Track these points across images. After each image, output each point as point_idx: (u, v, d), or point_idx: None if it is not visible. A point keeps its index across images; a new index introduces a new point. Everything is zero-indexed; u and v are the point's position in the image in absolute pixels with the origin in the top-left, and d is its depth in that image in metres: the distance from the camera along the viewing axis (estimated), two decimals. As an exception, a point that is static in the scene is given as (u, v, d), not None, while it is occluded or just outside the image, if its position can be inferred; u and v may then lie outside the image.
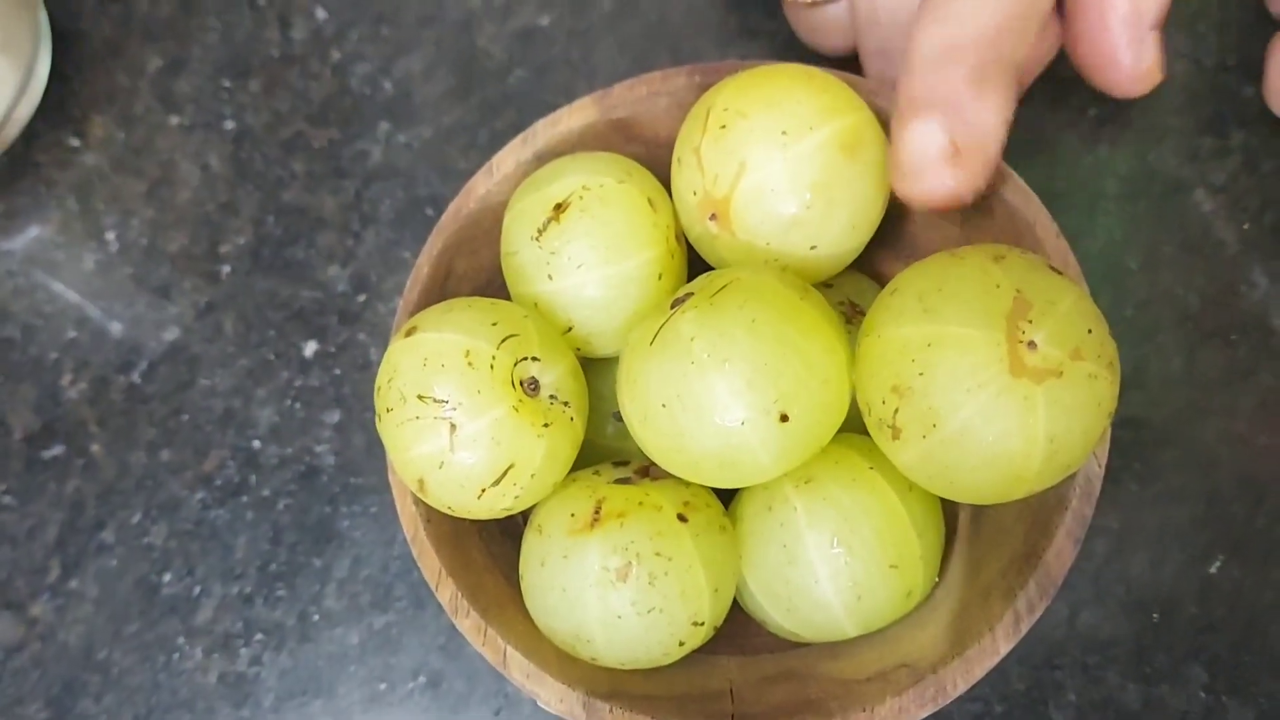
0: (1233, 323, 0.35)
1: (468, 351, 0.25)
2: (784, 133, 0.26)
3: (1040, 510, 0.27)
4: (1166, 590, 0.33)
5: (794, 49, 0.38)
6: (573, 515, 0.26)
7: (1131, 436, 0.34)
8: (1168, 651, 0.33)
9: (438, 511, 0.27)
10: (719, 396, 0.24)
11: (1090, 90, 0.36)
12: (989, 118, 0.27)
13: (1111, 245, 0.36)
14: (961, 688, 0.25)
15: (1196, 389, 0.35)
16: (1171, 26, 0.37)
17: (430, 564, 0.27)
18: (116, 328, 0.38)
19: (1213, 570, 0.33)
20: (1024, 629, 0.25)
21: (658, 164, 0.30)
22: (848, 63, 0.35)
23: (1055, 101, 0.37)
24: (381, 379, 0.26)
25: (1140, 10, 0.32)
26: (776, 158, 0.26)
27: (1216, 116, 0.37)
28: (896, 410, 0.24)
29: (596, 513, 0.26)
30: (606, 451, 0.30)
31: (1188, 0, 0.38)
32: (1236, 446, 0.34)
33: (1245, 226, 0.36)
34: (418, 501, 0.27)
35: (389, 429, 0.26)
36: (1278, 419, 0.34)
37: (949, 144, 0.26)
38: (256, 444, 0.36)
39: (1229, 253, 0.36)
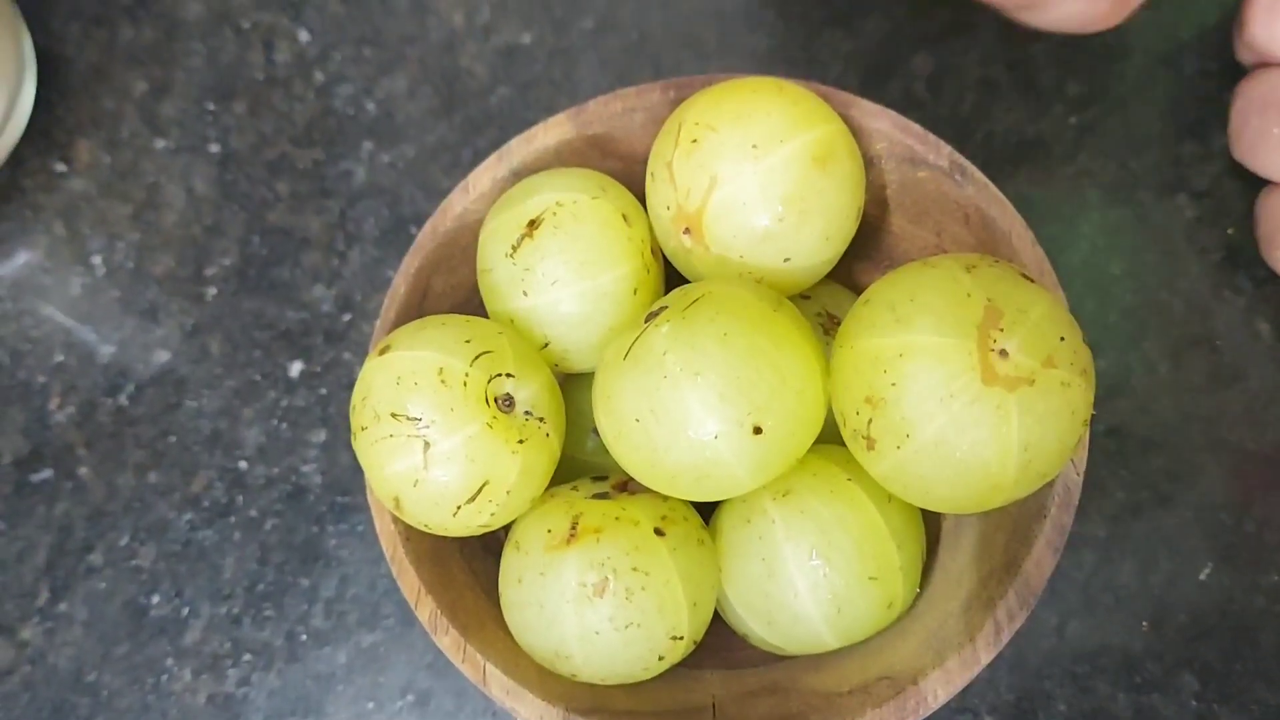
0: (1218, 328, 0.35)
1: (441, 369, 0.25)
2: (754, 146, 0.26)
3: (1020, 519, 0.27)
4: (1156, 598, 0.33)
5: (775, 64, 0.39)
6: (549, 531, 0.26)
7: (1117, 444, 0.34)
8: (1158, 660, 0.33)
9: (417, 530, 0.27)
10: (692, 410, 0.24)
11: (1072, 99, 0.36)
12: None
13: (1095, 252, 0.36)
14: (943, 698, 0.25)
15: (1183, 395, 0.35)
16: (1152, 31, 0.37)
17: (409, 582, 0.27)
18: (104, 351, 0.38)
19: (1202, 577, 0.33)
20: (1005, 639, 0.25)
21: (634, 179, 0.30)
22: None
23: (1037, 111, 0.37)
24: (356, 397, 0.26)
25: None
26: (747, 171, 0.26)
27: (1198, 122, 0.37)
28: (870, 421, 0.24)
29: (573, 528, 0.26)
30: (586, 467, 0.30)
31: (1169, 5, 0.38)
32: (1224, 452, 0.34)
33: (1229, 231, 0.36)
34: (396, 520, 0.27)
35: (364, 447, 0.26)
36: (1264, 424, 0.34)
37: None
38: (243, 464, 0.36)
39: (1213, 258, 0.36)
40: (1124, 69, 0.38)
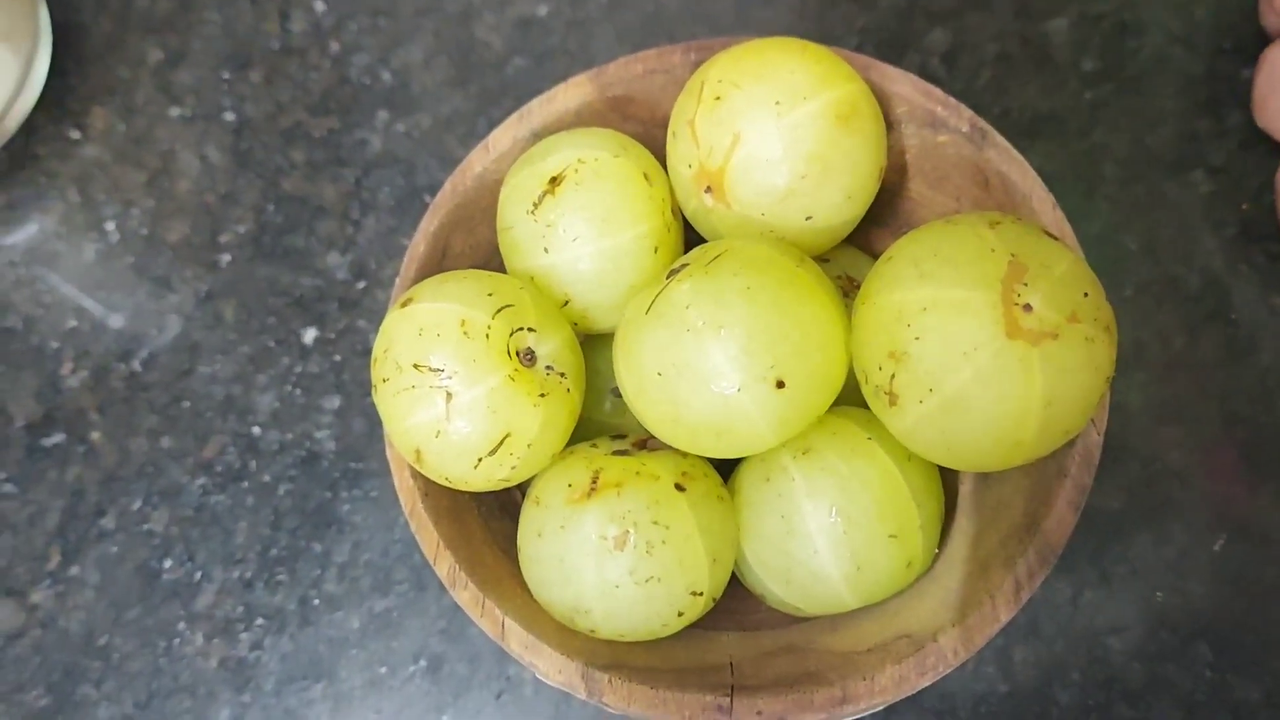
0: (1233, 303, 0.35)
1: (463, 321, 0.25)
2: (778, 103, 0.26)
3: (1040, 480, 0.27)
4: (1170, 569, 0.33)
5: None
6: (570, 485, 0.26)
7: (1132, 417, 0.34)
8: (1172, 630, 0.33)
9: (436, 485, 0.27)
10: (715, 364, 0.24)
11: (1087, 75, 0.36)
12: None
13: (1111, 228, 0.36)
14: (963, 655, 0.25)
15: (1197, 369, 0.35)
16: (1168, 11, 0.38)
17: (428, 537, 0.27)
18: (117, 317, 0.38)
19: (1217, 548, 0.33)
20: (1024, 597, 0.25)
21: (654, 142, 0.30)
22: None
23: (1053, 86, 0.38)
24: (378, 349, 0.26)
25: None
26: (771, 128, 0.26)
27: (1214, 98, 0.37)
28: (893, 376, 0.24)
29: (594, 482, 0.26)
30: (604, 427, 0.30)
31: (1184, -16, 0.38)
32: (1238, 425, 0.34)
33: (1244, 207, 0.36)
34: (415, 475, 0.27)
35: (385, 399, 0.25)
36: (1278, 398, 0.34)
37: None
38: (257, 430, 0.36)
39: (1228, 233, 0.36)
40: (1139, 46, 0.38)
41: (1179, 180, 0.37)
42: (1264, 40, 0.36)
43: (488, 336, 0.25)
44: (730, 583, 0.28)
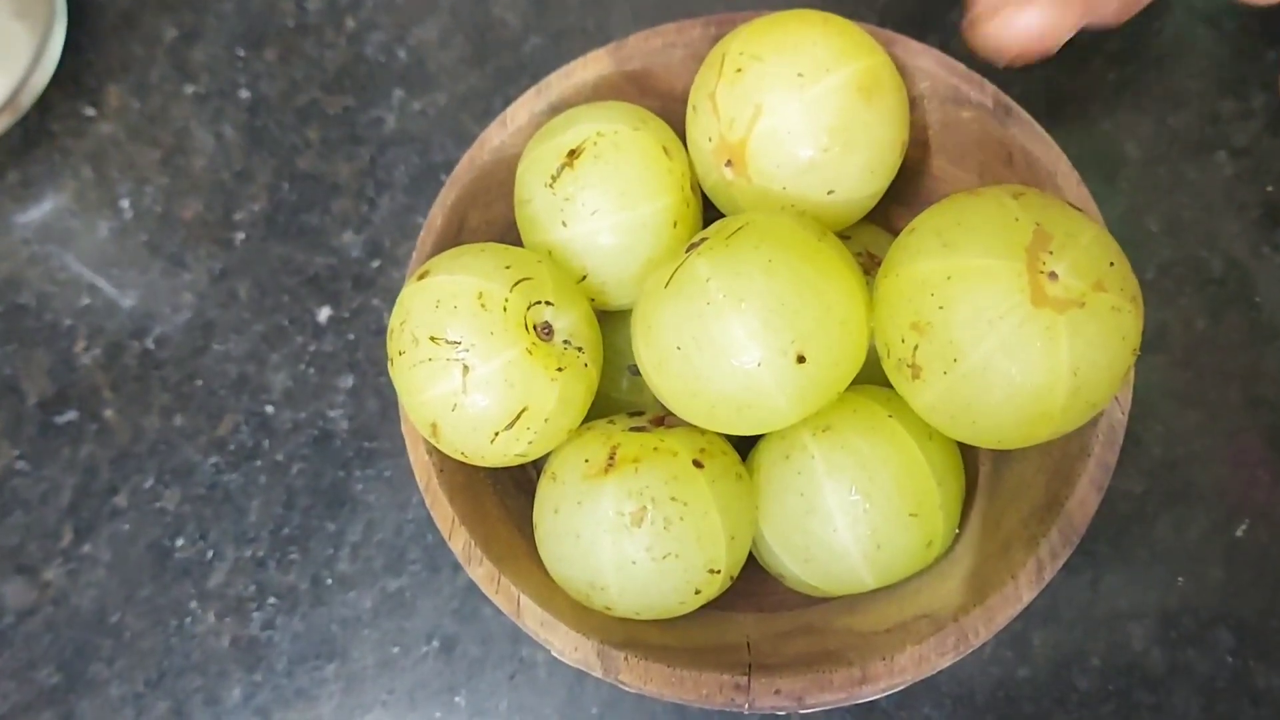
0: (1256, 285, 0.35)
1: (480, 293, 0.25)
2: (800, 75, 0.26)
3: (1062, 460, 0.26)
4: (1192, 554, 0.33)
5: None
6: (587, 461, 0.26)
7: (1155, 400, 0.34)
8: (1193, 616, 0.32)
9: (451, 461, 0.27)
10: (735, 337, 0.24)
11: (1110, 54, 0.35)
12: None
13: (1133, 209, 0.36)
14: (984, 636, 0.25)
15: (1220, 352, 0.34)
16: (1193, -11, 0.37)
17: (443, 513, 0.27)
18: (131, 294, 0.38)
19: (1239, 534, 0.33)
20: (1047, 576, 0.25)
21: (672, 117, 0.29)
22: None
23: (1075, 66, 0.37)
24: (394, 322, 0.26)
25: None
26: (793, 100, 0.26)
27: (1238, 79, 0.37)
28: (916, 348, 0.24)
29: (611, 458, 0.25)
30: (621, 405, 0.29)
31: (1209, -36, 0.38)
32: (1261, 410, 0.34)
33: (1269, 189, 0.36)
34: (431, 451, 0.27)
35: (401, 372, 0.25)
36: (1304, 381, 0.34)
37: None
38: (270, 409, 0.36)
39: (1252, 215, 0.35)
40: (1163, 26, 0.37)
41: (1202, 162, 0.36)
42: (1288, 22, 0.36)
43: (505, 309, 0.25)
44: (747, 563, 0.28)
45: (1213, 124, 0.36)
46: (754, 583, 0.29)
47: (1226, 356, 0.34)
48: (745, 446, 0.28)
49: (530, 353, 0.25)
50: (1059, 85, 0.37)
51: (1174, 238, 0.35)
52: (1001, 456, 0.29)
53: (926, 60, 0.28)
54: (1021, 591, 0.25)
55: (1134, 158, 0.36)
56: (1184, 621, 0.32)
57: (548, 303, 0.26)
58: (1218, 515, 0.33)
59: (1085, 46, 0.37)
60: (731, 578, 0.26)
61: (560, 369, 0.25)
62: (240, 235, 0.38)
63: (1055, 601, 0.32)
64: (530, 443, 0.26)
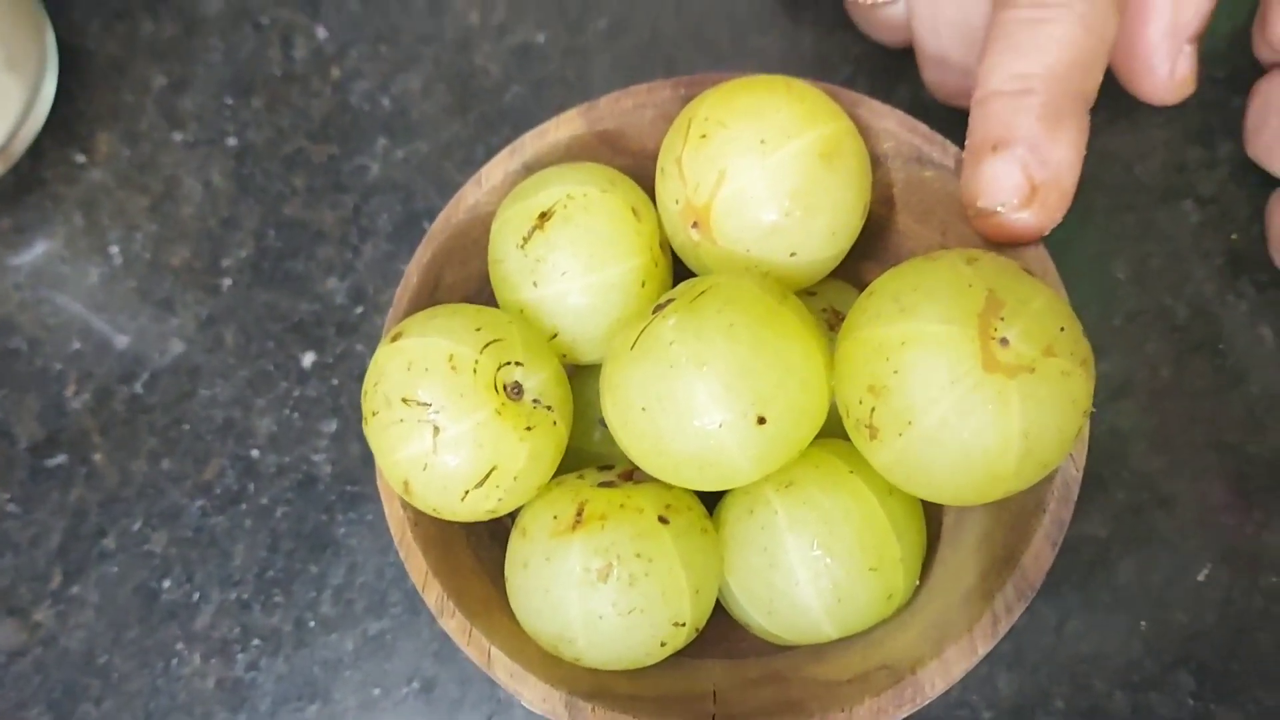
0: (1221, 333, 0.35)
1: (451, 355, 0.25)
2: (763, 141, 0.26)
3: (1019, 514, 0.27)
4: (1155, 598, 0.33)
5: (786, 66, 0.39)
6: (555, 517, 0.26)
7: (1119, 445, 0.34)
8: (1156, 659, 0.33)
9: (426, 514, 0.28)
10: (697, 399, 0.25)
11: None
12: (1065, 154, 0.27)
13: (1100, 257, 0.37)
14: (940, 688, 0.26)
15: (1185, 398, 0.35)
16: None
17: (417, 565, 0.27)
18: (120, 339, 0.38)
19: (1201, 578, 0.33)
20: (1002, 630, 0.26)
21: (644, 175, 0.30)
22: (907, 54, 0.37)
23: (1044, 114, 0.38)
24: (368, 383, 0.26)
25: (1180, 23, 0.33)
26: (755, 166, 0.26)
27: (1204, 128, 0.38)
28: (873, 409, 0.24)
29: (579, 515, 0.26)
30: (592, 458, 0.30)
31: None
32: (1225, 455, 0.34)
33: (1233, 237, 0.36)
34: (405, 505, 0.28)
35: (375, 432, 0.26)
36: (1266, 428, 0.34)
37: (1026, 182, 0.27)
38: (255, 453, 0.37)
39: (1217, 263, 0.36)
40: (1131, 75, 0.38)
41: (1169, 210, 0.37)
42: (1256, 70, 0.36)
43: (475, 371, 0.25)
44: (717, 610, 0.28)
45: (1179, 173, 0.37)
46: (722, 629, 0.29)
47: (1191, 402, 0.35)
48: (713, 499, 0.29)
49: (500, 413, 0.26)
50: (1028, 134, 0.38)
51: (1140, 285, 0.36)
52: (963, 508, 0.29)
53: (890, 121, 0.29)
54: (977, 645, 0.26)
55: (1101, 206, 0.37)
56: (1146, 665, 0.33)
57: (517, 363, 0.26)
58: (1181, 559, 0.33)
59: (1054, 96, 0.38)
60: (697, 629, 0.27)
61: (529, 428, 0.26)
62: (227, 281, 0.39)
63: (1020, 645, 0.33)
64: (500, 500, 0.26)
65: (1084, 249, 0.37)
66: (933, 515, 0.29)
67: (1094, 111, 0.37)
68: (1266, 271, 0.35)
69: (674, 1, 0.40)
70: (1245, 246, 0.36)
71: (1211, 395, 0.35)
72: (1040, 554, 0.26)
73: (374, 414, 0.26)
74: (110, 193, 0.40)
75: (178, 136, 0.40)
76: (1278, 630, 0.33)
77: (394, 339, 0.26)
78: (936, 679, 0.26)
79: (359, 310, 0.38)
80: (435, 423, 0.25)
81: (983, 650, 0.26)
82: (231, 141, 0.40)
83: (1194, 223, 0.37)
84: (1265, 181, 0.36)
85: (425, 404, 0.25)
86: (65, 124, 0.41)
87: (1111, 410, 0.35)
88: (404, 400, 0.25)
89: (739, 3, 0.40)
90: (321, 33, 0.41)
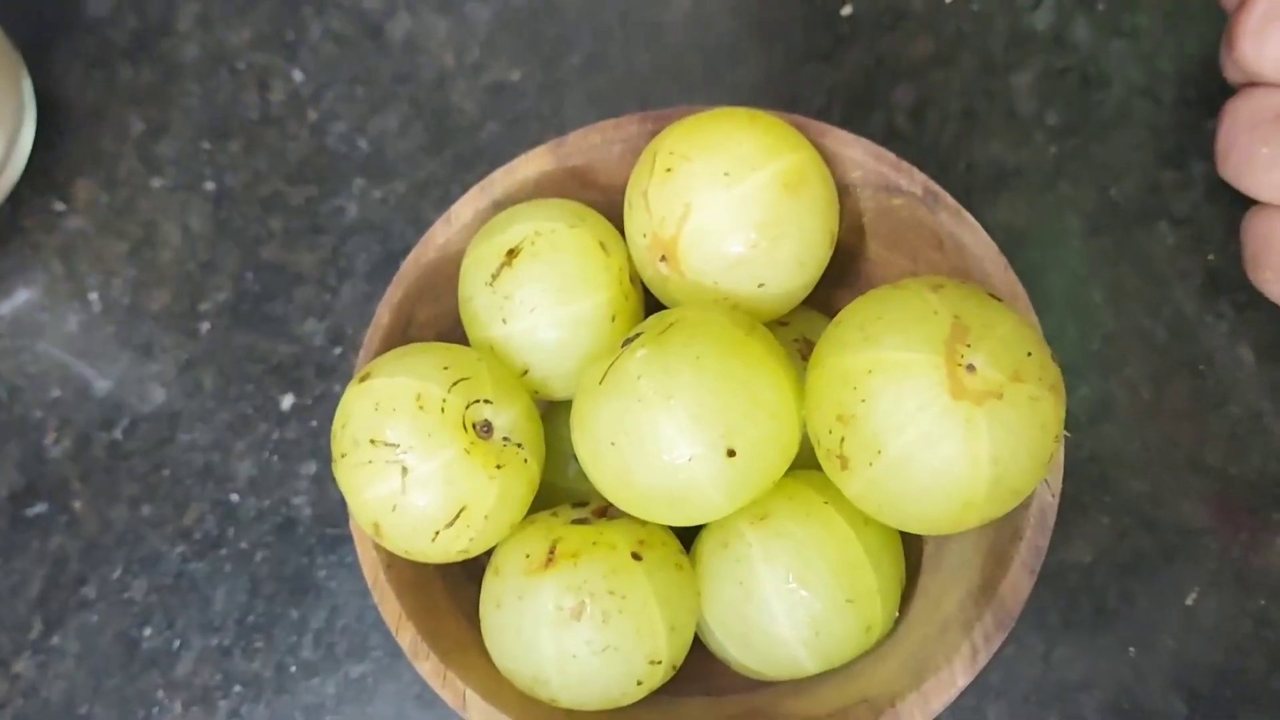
0: (1200, 353, 0.35)
1: (418, 395, 0.25)
2: (726, 174, 0.26)
3: (996, 542, 0.27)
4: (1142, 624, 0.33)
5: (759, 98, 0.39)
6: (528, 556, 0.26)
7: (1100, 469, 0.34)
8: (1145, 685, 0.32)
9: (399, 556, 0.27)
10: (665, 433, 0.24)
11: (1051, 128, 0.36)
12: None
13: (1076, 280, 0.36)
14: (920, 721, 0.25)
15: (1166, 420, 0.35)
16: (1131, 61, 0.38)
17: (391, 608, 0.27)
18: (100, 386, 0.38)
19: (1188, 602, 0.33)
20: (981, 661, 0.25)
21: (614, 209, 0.30)
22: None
23: (1018, 140, 0.38)
24: (336, 425, 0.26)
25: None
26: (720, 198, 0.26)
27: (1177, 149, 0.38)
28: (843, 439, 0.24)
29: (551, 553, 0.26)
30: (567, 493, 0.30)
31: (1147, 36, 0.39)
32: (1208, 477, 0.34)
33: (1210, 257, 0.36)
34: (378, 547, 0.28)
35: (344, 473, 0.26)
36: (1248, 449, 0.34)
37: None
38: (235, 497, 0.37)
39: (1194, 284, 0.36)
40: (1103, 98, 0.38)
41: (1144, 231, 0.37)
42: (1226, 91, 0.36)
43: (443, 410, 0.25)
44: (696, 647, 0.28)
45: (1154, 194, 0.37)
46: (702, 665, 0.29)
47: (1172, 424, 0.35)
48: (689, 535, 0.28)
49: (469, 452, 0.25)
50: (1002, 159, 0.38)
51: (1117, 307, 0.36)
52: (942, 537, 0.29)
53: (856, 150, 0.29)
54: (957, 677, 0.25)
55: (1076, 229, 0.37)
56: (1136, 692, 0.32)
57: (486, 401, 0.26)
58: (1168, 584, 0.33)
59: (1027, 121, 0.38)
60: (674, 667, 0.27)
61: (499, 466, 0.26)
62: (206, 325, 0.39)
63: (1008, 674, 0.33)
64: (472, 539, 0.26)
65: (1060, 272, 0.36)
66: (913, 544, 0.29)
67: (1066, 134, 0.38)
68: (1245, 291, 0.35)
69: (647, 36, 0.41)
70: (1222, 266, 0.36)
71: (1192, 417, 0.35)
72: (1018, 583, 0.26)
73: (343, 455, 0.26)
74: (89, 239, 0.40)
75: (156, 182, 0.40)
76: (1268, 653, 0.32)
77: (362, 379, 0.26)
78: (916, 712, 0.25)
79: (338, 351, 0.38)
80: (404, 463, 0.25)
81: (963, 682, 0.25)
82: (209, 185, 0.40)
83: (1170, 244, 0.37)
84: (1238, 201, 0.36)
85: (393, 444, 0.25)
86: (44, 171, 0.41)
87: (1092, 434, 0.35)
88: (371, 441, 0.25)
89: (711, 36, 0.41)
90: (298, 75, 0.41)
